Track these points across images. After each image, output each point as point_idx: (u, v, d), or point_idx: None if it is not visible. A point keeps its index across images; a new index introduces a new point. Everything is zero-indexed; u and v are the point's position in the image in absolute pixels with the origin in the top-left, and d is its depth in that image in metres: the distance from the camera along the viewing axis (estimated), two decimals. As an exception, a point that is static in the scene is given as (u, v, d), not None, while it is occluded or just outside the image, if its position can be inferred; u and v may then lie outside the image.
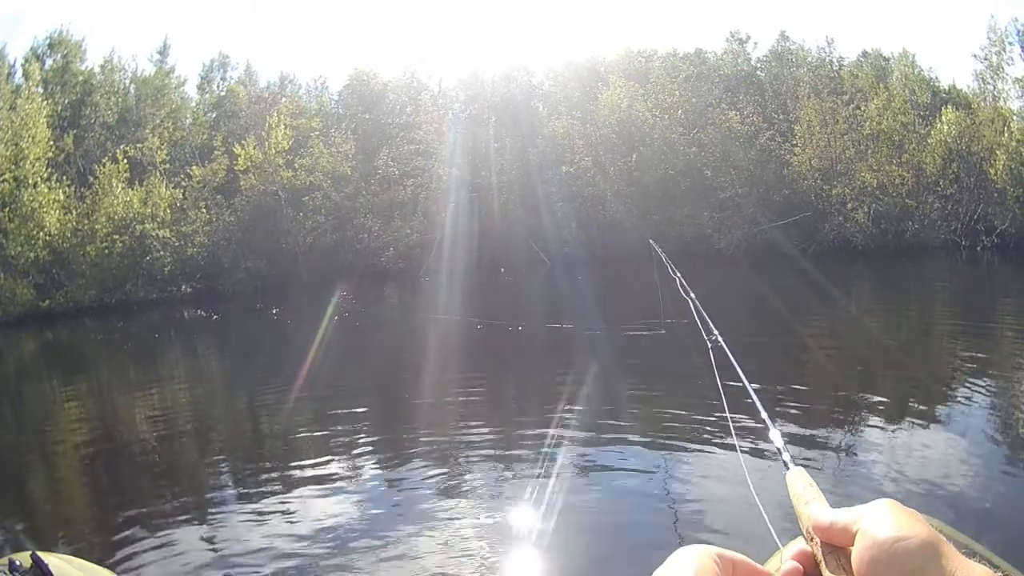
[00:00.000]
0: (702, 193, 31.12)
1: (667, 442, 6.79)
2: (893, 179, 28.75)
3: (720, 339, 2.37)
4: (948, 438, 6.21)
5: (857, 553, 0.66)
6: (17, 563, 2.37)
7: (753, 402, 1.48)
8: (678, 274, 3.97)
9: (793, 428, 6.75)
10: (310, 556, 4.92)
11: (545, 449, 6.79)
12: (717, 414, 6.81)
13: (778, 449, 1.06)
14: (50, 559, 2.44)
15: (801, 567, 0.73)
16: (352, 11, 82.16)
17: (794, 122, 32.01)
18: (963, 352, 10.41)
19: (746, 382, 1.64)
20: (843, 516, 0.70)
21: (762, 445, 5.37)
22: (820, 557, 0.71)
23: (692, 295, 3.10)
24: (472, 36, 75.44)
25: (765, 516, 1.21)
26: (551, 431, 7.37)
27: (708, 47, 38.56)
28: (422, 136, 34.67)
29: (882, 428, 6.65)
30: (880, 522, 0.66)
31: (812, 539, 0.74)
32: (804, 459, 5.68)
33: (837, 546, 0.70)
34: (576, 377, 9.66)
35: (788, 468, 0.93)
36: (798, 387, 8.89)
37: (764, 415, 1.35)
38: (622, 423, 7.64)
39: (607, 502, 5.55)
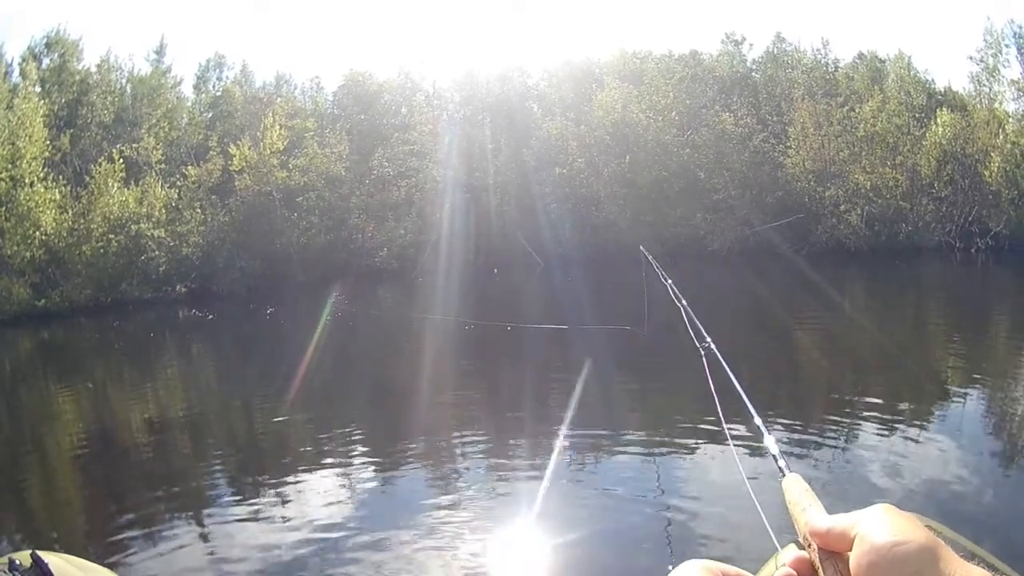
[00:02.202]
0: (695, 195, 31.09)
1: (661, 448, 6.77)
2: (887, 181, 28.78)
3: (712, 346, 2.37)
4: (944, 440, 6.21)
5: (855, 558, 0.66)
6: (17, 562, 2.38)
7: (747, 408, 1.49)
8: (669, 281, 3.97)
9: (788, 433, 6.73)
10: (306, 555, 4.93)
11: (539, 454, 6.79)
12: (712, 420, 6.78)
13: (774, 456, 1.06)
14: (50, 558, 2.45)
15: (796, 574, 0.73)
16: (348, 12, 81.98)
17: (788, 124, 32.03)
18: (958, 354, 10.43)
19: (740, 389, 1.63)
20: (840, 521, 0.70)
21: (757, 451, 5.38)
22: (817, 563, 0.71)
23: (684, 302, 3.10)
24: (467, 37, 75.13)
25: (765, 520, 1.21)
26: (544, 435, 7.37)
27: (703, 48, 38.69)
28: (417, 137, 34.63)
29: (878, 432, 6.64)
30: (878, 527, 0.65)
31: (809, 545, 0.74)
32: (800, 465, 5.68)
33: (834, 552, 0.70)
34: (567, 381, 9.59)
35: (784, 474, 0.93)
36: (792, 391, 8.89)
37: (758, 421, 1.35)
38: (614, 428, 7.57)
39: (601, 507, 5.53)
